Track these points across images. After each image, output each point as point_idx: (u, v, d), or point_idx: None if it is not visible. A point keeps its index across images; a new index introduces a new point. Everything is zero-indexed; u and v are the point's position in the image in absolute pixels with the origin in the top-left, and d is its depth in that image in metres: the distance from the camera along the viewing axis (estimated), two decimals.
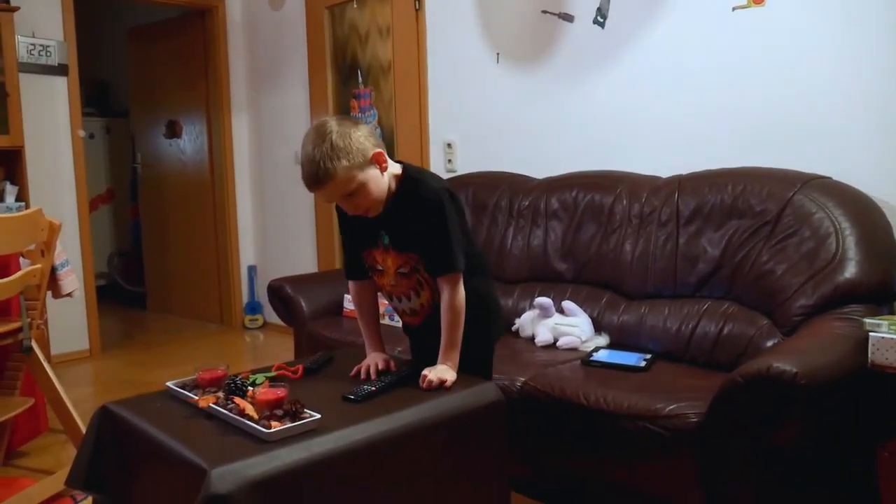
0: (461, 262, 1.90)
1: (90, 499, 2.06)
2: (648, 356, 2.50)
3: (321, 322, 3.27)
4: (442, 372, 1.86)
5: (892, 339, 1.85)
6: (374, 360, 1.99)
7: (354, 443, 1.55)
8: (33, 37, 4.27)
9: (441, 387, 1.82)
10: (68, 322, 4.47)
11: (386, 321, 2.93)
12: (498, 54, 3.60)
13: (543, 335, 2.77)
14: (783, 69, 2.67)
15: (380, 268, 2.01)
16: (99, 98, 6.68)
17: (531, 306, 2.91)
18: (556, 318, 2.79)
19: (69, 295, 3.06)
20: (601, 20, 3.16)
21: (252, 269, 5.36)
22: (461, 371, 1.91)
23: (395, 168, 1.93)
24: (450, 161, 3.84)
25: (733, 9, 2.77)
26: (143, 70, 5.80)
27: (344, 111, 4.50)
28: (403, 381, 1.86)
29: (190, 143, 5.50)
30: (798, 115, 2.65)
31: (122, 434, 1.70)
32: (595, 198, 2.95)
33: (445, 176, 3.66)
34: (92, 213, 4.91)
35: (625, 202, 2.86)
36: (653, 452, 2.04)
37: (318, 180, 1.77)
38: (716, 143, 2.86)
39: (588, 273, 2.93)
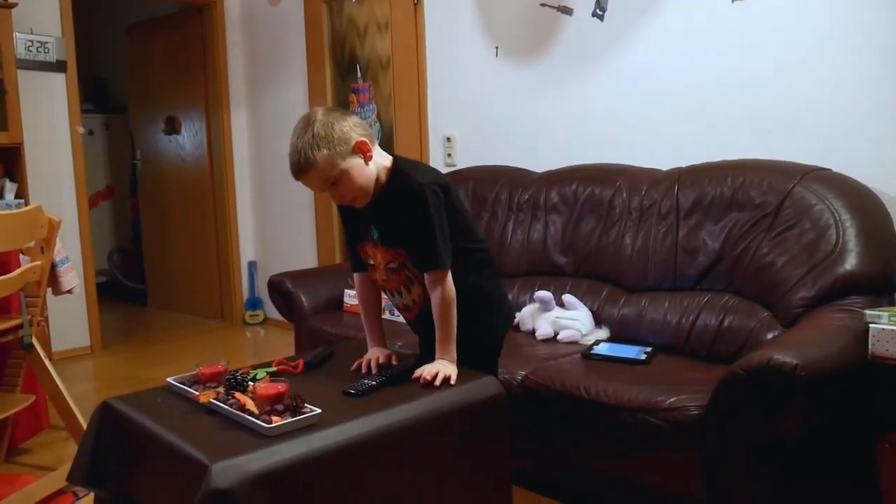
0: (446, 260, 1.87)
1: (92, 495, 2.06)
2: (649, 349, 2.50)
3: (321, 317, 3.27)
4: (437, 367, 1.84)
5: (892, 330, 1.85)
6: (374, 355, 1.99)
7: (355, 437, 1.55)
8: (31, 33, 4.26)
9: (442, 383, 1.81)
10: (69, 319, 4.47)
11: (387, 316, 2.92)
12: (497, 48, 3.59)
13: (544, 329, 2.77)
14: (782, 61, 2.66)
15: (371, 262, 2.01)
16: (97, 94, 6.67)
17: (531, 300, 2.91)
18: (557, 311, 2.79)
19: (69, 292, 3.06)
20: (600, 13, 3.16)
21: (252, 265, 5.36)
22: (464, 366, 1.90)
23: (385, 160, 1.92)
24: (449, 155, 3.83)
25: (732, 0, 2.76)
26: (142, 66, 5.79)
27: (343, 106, 4.49)
28: (404, 375, 1.85)
29: (189, 139, 5.49)
30: (797, 106, 2.64)
31: (123, 430, 1.70)
32: (595, 191, 2.95)
33: (445, 170, 3.66)
34: (92, 210, 4.91)
35: (624, 195, 2.86)
36: (654, 445, 2.04)
37: (299, 168, 1.79)
38: (715, 135, 2.86)
39: (588, 266, 2.92)
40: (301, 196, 4.85)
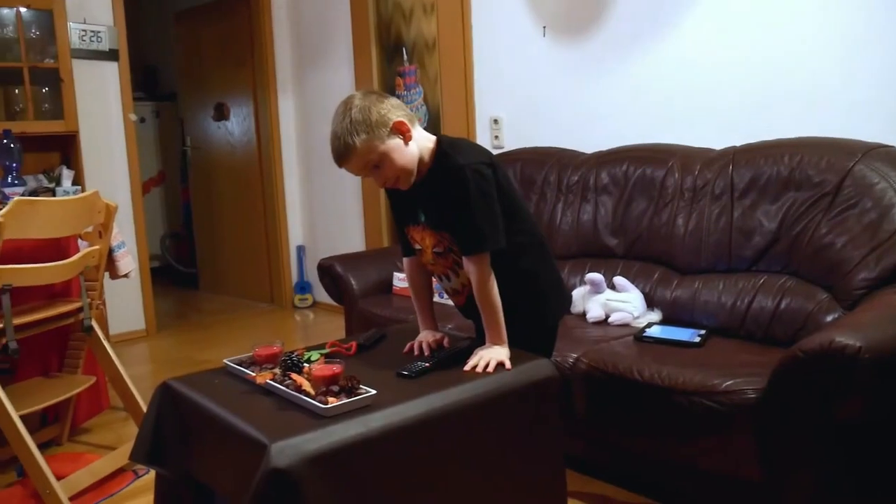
0: (486, 242, 1.82)
1: (152, 473, 2.12)
2: (703, 332, 2.47)
3: (371, 300, 3.29)
4: (489, 355, 1.82)
5: None
6: (427, 338, 1.99)
7: (410, 418, 1.56)
8: (84, 23, 4.35)
9: (496, 368, 1.80)
10: (125, 303, 4.58)
11: (437, 298, 2.93)
12: (545, 27, 3.55)
13: (595, 311, 2.75)
14: (841, 35, 2.58)
15: (418, 246, 1.99)
16: (148, 82, 6.79)
17: (582, 282, 2.89)
18: (608, 293, 2.76)
19: (126, 276, 3.13)
20: None
21: (301, 249, 5.41)
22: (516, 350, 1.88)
23: (428, 141, 1.88)
24: (497, 137, 3.81)
25: None
26: (190, 53, 5.87)
27: (389, 89, 4.49)
28: (457, 357, 1.85)
29: (237, 124, 5.56)
30: (856, 82, 2.56)
31: (182, 410, 1.74)
32: (646, 171, 2.90)
33: (493, 152, 3.63)
34: (144, 196, 5.01)
35: (677, 175, 2.81)
36: (709, 428, 2.01)
37: (340, 155, 1.79)
38: (771, 113, 2.78)
39: (639, 248, 2.89)
40: (348, 180, 4.87)
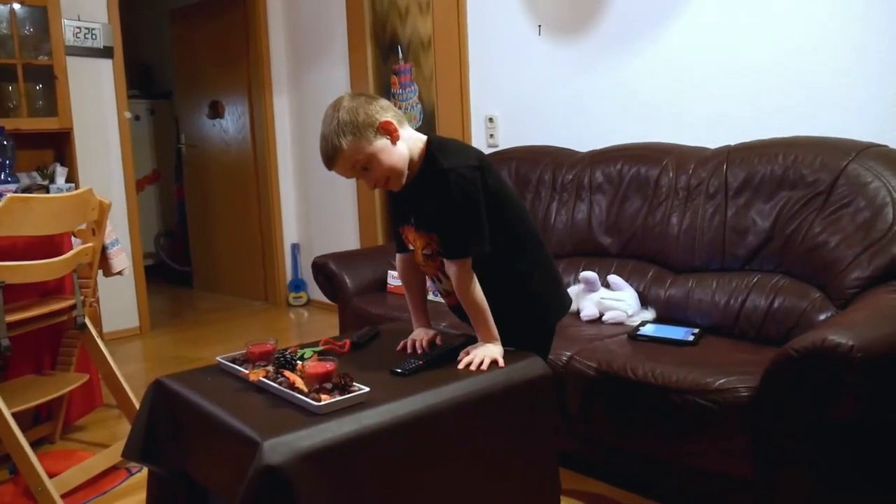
0: (467, 248, 1.81)
1: (145, 470, 2.11)
2: (696, 330, 2.47)
3: (365, 298, 3.29)
4: (482, 353, 1.81)
5: None
6: (420, 336, 1.99)
7: (403, 416, 1.56)
8: (79, 20, 4.34)
9: (489, 366, 1.79)
10: (118, 300, 4.57)
11: (431, 297, 2.93)
12: (540, 26, 3.55)
13: (589, 310, 2.75)
14: (835, 34, 2.59)
15: (411, 247, 1.99)
16: (142, 80, 6.77)
17: (576, 281, 2.89)
18: (602, 292, 2.77)
19: (120, 273, 3.12)
20: None
21: (295, 247, 5.41)
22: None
23: (418, 142, 1.86)
24: (492, 136, 3.81)
25: None
26: (186, 51, 5.86)
27: (384, 87, 4.49)
28: (451, 355, 1.85)
29: (232, 122, 5.55)
30: (851, 81, 2.57)
31: (175, 407, 1.73)
32: (640, 170, 2.91)
33: (487, 151, 3.64)
34: (138, 194, 4.99)
35: (671, 174, 2.81)
36: (702, 427, 2.01)
37: (328, 158, 1.79)
38: (765, 112, 2.79)
39: (634, 247, 2.89)
40: (343, 178, 4.86)
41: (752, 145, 2.66)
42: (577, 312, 2.81)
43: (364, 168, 1.79)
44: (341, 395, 1.56)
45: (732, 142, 2.75)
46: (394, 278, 3.38)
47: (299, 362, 1.71)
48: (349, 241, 4.84)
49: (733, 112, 2.89)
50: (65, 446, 2.92)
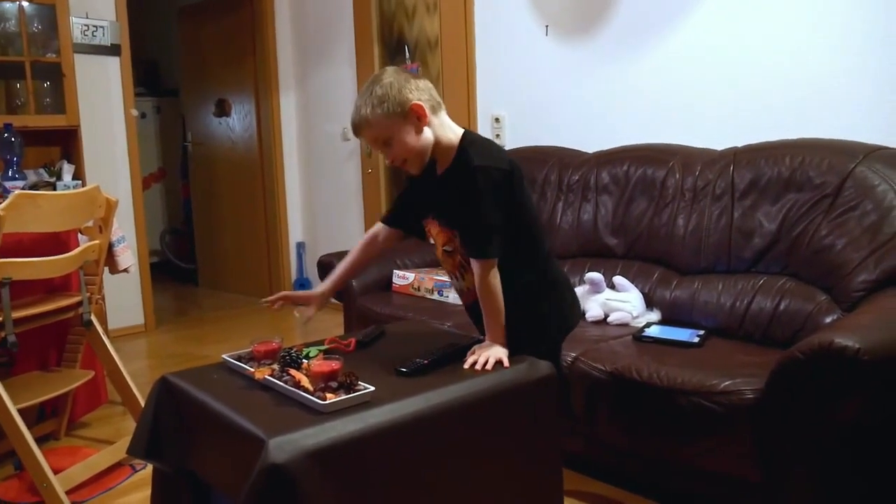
0: (491, 250, 1.81)
1: (149, 467, 2.12)
2: (702, 332, 2.47)
3: (370, 297, 3.29)
4: (487, 353, 1.80)
5: None
6: (304, 299, 2.01)
7: (408, 415, 1.56)
8: (87, 18, 4.35)
9: (494, 366, 1.79)
10: (124, 297, 4.58)
11: (435, 297, 2.93)
12: (547, 26, 3.55)
13: (594, 311, 2.75)
14: (842, 37, 2.58)
15: (432, 241, 2.00)
16: (149, 78, 6.79)
17: (581, 282, 2.89)
18: (607, 293, 2.76)
19: (126, 270, 3.13)
20: None
21: (301, 246, 5.41)
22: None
23: (453, 134, 1.87)
24: (498, 136, 3.81)
25: None
26: (193, 49, 5.87)
27: None
28: (456, 355, 1.85)
29: (239, 121, 5.55)
30: (859, 83, 2.56)
31: (180, 404, 1.73)
32: (647, 171, 2.90)
33: None
34: (144, 192, 5.00)
35: (678, 176, 2.81)
36: (707, 428, 2.01)
37: (355, 126, 1.83)
38: (773, 113, 2.78)
39: (639, 248, 2.89)
40: (349, 177, 4.88)
41: (758, 147, 2.65)
42: (583, 313, 2.81)
43: (385, 144, 1.82)
44: (346, 393, 1.56)
45: (739, 143, 2.74)
46: (399, 278, 3.38)
47: (305, 361, 1.71)
48: (355, 240, 4.78)
49: (740, 113, 2.88)
50: (70, 443, 2.93)
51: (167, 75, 6.88)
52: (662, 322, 2.65)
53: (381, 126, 1.79)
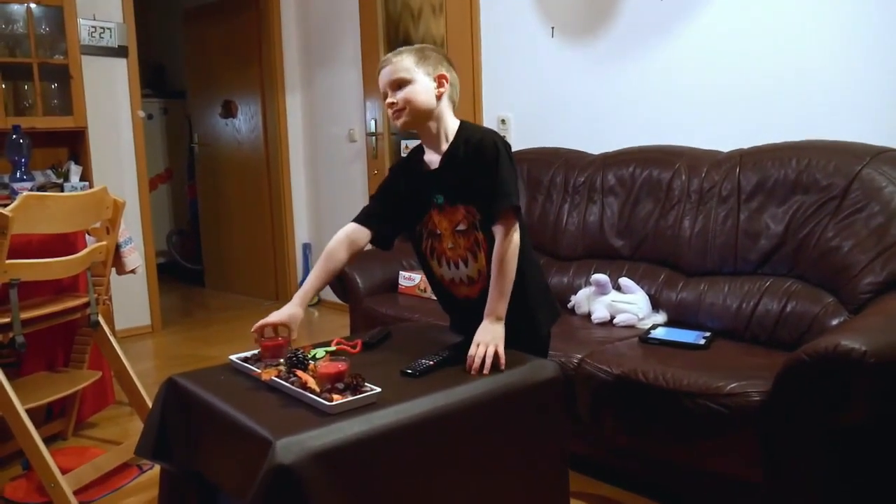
0: (516, 197, 1.88)
1: (156, 468, 2.12)
2: (708, 334, 2.47)
3: (376, 299, 3.30)
4: (483, 348, 1.78)
5: None
6: (279, 317, 1.97)
7: (414, 416, 1.56)
8: (94, 19, 4.37)
9: (493, 367, 1.78)
10: (130, 298, 4.60)
11: (428, 294, 2.94)
12: (553, 28, 3.55)
13: (600, 312, 2.75)
14: (849, 38, 2.58)
15: (438, 232, 1.99)
16: (156, 79, 6.81)
17: (587, 283, 2.89)
18: (613, 295, 2.76)
19: (133, 271, 3.14)
20: None
21: (307, 247, 5.42)
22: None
23: (453, 122, 1.99)
24: (504, 137, 3.80)
25: None
26: (199, 51, 5.89)
27: None
28: (462, 356, 1.85)
29: (245, 122, 5.57)
30: (865, 85, 2.56)
31: (187, 405, 1.74)
32: (653, 173, 2.90)
33: None
34: (151, 193, 5.02)
35: (684, 177, 2.81)
36: (713, 431, 2.01)
37: (385, 60, 1.94)
38: (779, 115, 2.78)
39: (645, 250, 2.89)
40: (355, 179, 4.89)
41: (765, 149, 2.65)
42: (589, 315, 2.81)
43: (399, 86, 1.91)
44: (353, 395, 1.56)
45: (745, 145, 2.74)
46: (405, 279, 3.38)
47: (311, 362, 1.71)
48: None
49: (746, 115, 2.88)
50: (77, 443, 2.94)
51: (174, 77, 6.90)
52: (668, 324, 2.65)
53: (406, 70, 1.90)
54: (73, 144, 4.18)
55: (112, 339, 2.75)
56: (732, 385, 1.99)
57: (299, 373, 1.66)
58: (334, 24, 4.92)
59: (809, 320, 2.33)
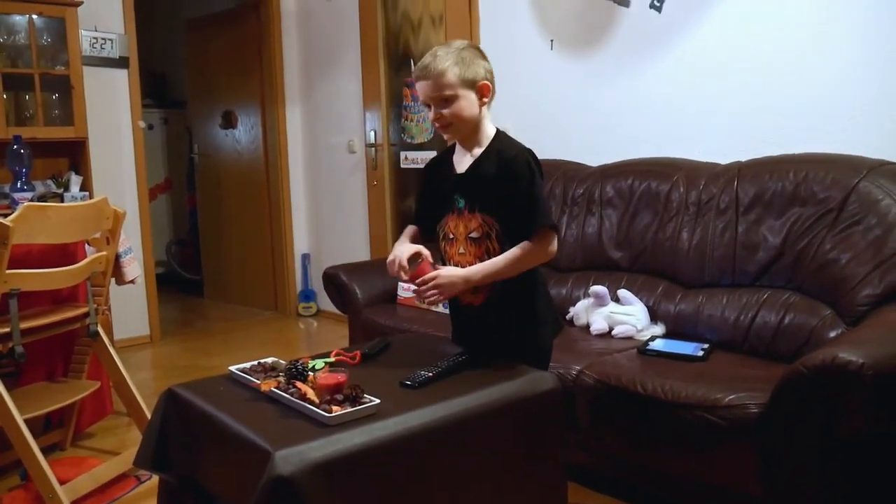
0: (550, 217, 1.89)
1: (155, 479, 2.12)
2: (706, 346, 2.47)
3: (376, 309, 3.30)
4: (447, 272, 1.84)
5: None
6: (403, 253, 1.96)
7: (413, 428, 1.56)
8: (95, 30, 4.39)
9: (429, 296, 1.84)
10: (129, 308, 4.60)
11: (440, 309, 2.94)
12: (552, 41, 3.57)
13: (599, 324, 2.76)
14: (847, 52, 2.60)
15: (451, 236, 1.99)
16: (156, 90, 6.83)
17: (586, 294, 2.89)
18: (612, 306, 2.77)
19: (132, 282, 3.14)
20: (658, 4, 3.11)
21: (306, 258, 5.43)
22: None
23: (491, 127, 1.98)
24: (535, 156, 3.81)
25: None
26: (200, 61, 5.91)
27: (396, 100, 4.52)
28: (461, 366, 1.86)
29: (245, 133, 5.59)
30: (863, 98, 2.57)
31: (187, 416, 1.74)
32: (651, 185, 2.92)
33: None
34: (151, 203, 5.03)
35: (682, 189, 2.82)
36: (711, 442, 2.01)
37: (425, 69, 1.87)
38: (777, 128, 2.80)
39: (644, 261, 2.90)
40: (354, 189, 4.90)
41: (763, 161, 2.66)
42: (587, 326, 2.82)
43: (445, 101, 1.88)
44: (352, 406, 1.57)
45: (743, 158, 2.76)
46: (404, 290, 3.39)
47: (311, 373, 1.72)
48: (360, 251, 4.86)
49: (745, 128, 2.89)
50: (75, 453, 2.93)
51: (174, 87, 6.92)
52: (667, 335, 2.65)
53: (451, 84, 1.86)
54: (74, 155, 4.19)
55: (111, 349, 2.75)
56: (730, 397, 1.99)
57: (298, 384, 1.67)
58: (335, 35, 4.94)
59: (807, 332, 2.34)
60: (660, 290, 2.79)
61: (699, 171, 2.83)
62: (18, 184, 3.66)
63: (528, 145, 2.00)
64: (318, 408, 1.56)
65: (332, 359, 1.93)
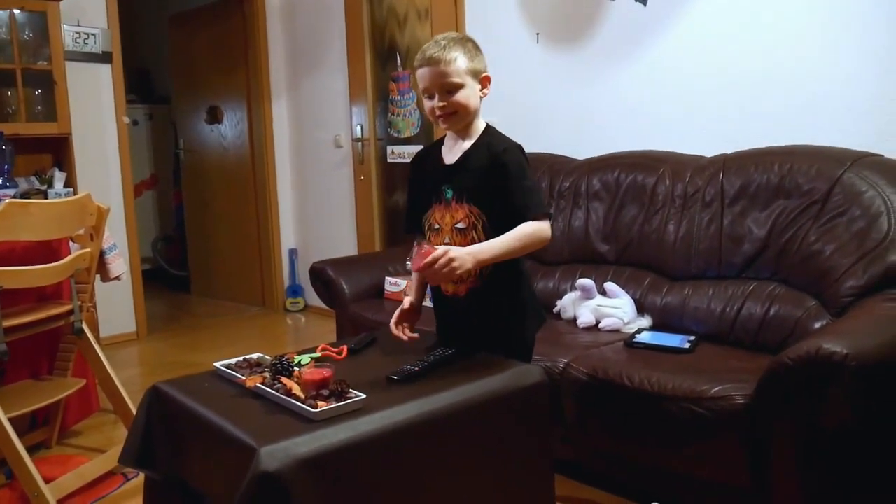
0: (545, 206, 1.89)
1: (141, 476, 2.11)
2: (692, 338, 2.48)
3: (363, 304, 3.30)
4: (456, 252, 1.76)
5: None
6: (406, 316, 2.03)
7: (399, 422, 1.56)
8: (78, 25, 4.34)
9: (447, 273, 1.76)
10: (115, 305, 4.57)
11: (427, 304, 2.93)
12: (538, 34, 3.56)
13: (585, 317, 2.76)
14: (831, 44, 2.60)
15: (437, 226, 1.99)
16: (141, 85, 6.78)
17: (573, 288, 2.90)
18: (599, 299, 2.77)
19: (117, 278, 3.13)
20: None
21: (293, 253, 5.41)
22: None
23: (481, 122, 1.99)
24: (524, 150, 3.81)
25: None
26: (184, 57, 5.87)
27: (383, 94, 4.51)
28: (447, 361, 1.86)
29: (231, 128, 5.56)
30: (848, 91, 2.58)
31: (172, 413, 1.73)
32: (637, 178, 2.92)
33: None
34: (136, 199, 5.00)
35: (668, 182, 2.82)
36: (698, 434, 2.02)
37: (433, 58, 1.87)
38: (762, 121, 2.81)
39: (630, 254, 2.90)
40: (341, 184, 4.88)
41: (748, 154, 2.67)
42: (574, 319, 2.82)
43: (449, 90, 1.88)
44: (338, 401, 1.56)
45: (729, 150, 2.76)
46: (391, 285, 3.38)
47: (296, 369, 1.71)
48: (347, 247, 4.85)
49: (730, 120, 2.90)
50: (61, 451, 2.92)
51: (159, 82, 6.87)
52: (653, 328, 2.66)
53: (459, 73, 1.87)
54: (57, 151, 4.15)
55: (96, 346, 2.73)
56: (716, 389, 2.00)
57: (284, 379, 1.66)
58: (320, 29, 4.92)
59: (792, 324, 2.35)
60: (646, 283, 2.80)
61: (685, 163, 2.83)
62: (1, 181, 3.63)
63: (514, 139, 1.99)
64: (303, 403, 1.55)
65: (317, 354, 1.92)
